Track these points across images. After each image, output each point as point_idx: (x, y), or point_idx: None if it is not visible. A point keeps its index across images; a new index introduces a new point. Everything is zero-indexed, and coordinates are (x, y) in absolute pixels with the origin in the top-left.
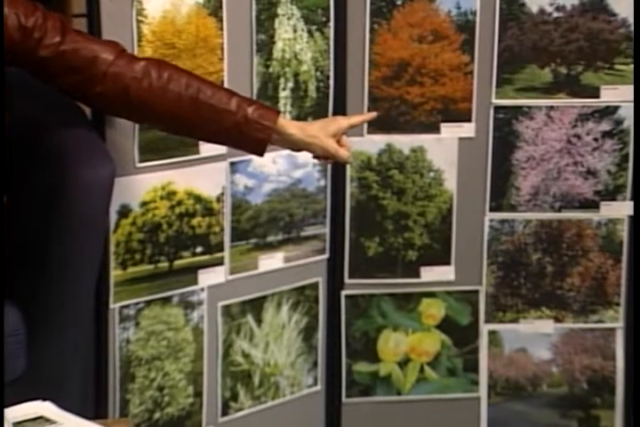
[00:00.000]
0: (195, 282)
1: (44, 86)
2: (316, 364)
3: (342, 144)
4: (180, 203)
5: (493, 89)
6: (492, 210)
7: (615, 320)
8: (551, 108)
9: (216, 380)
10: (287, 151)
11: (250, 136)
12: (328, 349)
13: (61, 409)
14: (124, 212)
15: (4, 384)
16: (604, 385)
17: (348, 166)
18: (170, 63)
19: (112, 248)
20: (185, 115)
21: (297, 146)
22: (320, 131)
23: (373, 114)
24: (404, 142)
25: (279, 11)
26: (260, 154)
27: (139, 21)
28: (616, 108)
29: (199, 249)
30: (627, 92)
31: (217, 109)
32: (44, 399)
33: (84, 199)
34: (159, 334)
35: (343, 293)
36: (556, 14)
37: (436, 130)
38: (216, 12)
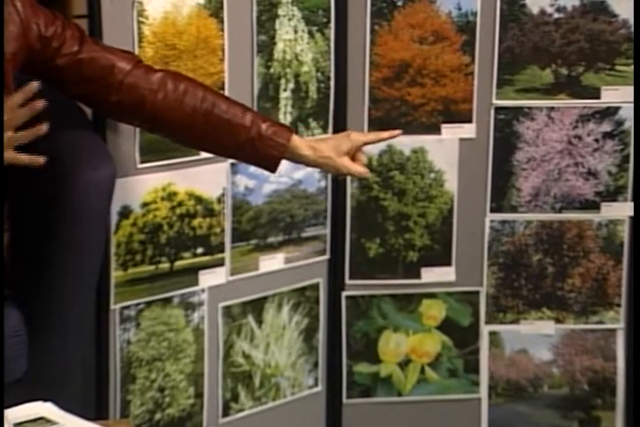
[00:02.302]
0: (195, 283)
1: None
2: (316, 365)
3: (357, 159)
4: (180, 204)
5: (494, 90)
6: (492, 211)
7: (616, 321)
8: (552, 108)
9: (217, 381)
10: None
11: (263, 152)
12: (329, 350)
13: (62, 410)
14: (125, 213)
15: (4, 385)
16: (604, 386)
17: None
18: (186, 76)
19: (113, 249)
20: (199, 128)
21: (308, 165)
22: (333, 150)
23: (396, 132)
24: (404, 143)
25: (280, 12)
26: (273, 170)
27: (139, 22)
28: (617, 108)
29: (200, 250)
30: (627, 92)
31: (231, 124)
32: (45, 400)
33: (85, 200)
34: (160, 335)
35: (344, 293)
36: (556, 15)
37: (436, 131)
38: (217, 12)
